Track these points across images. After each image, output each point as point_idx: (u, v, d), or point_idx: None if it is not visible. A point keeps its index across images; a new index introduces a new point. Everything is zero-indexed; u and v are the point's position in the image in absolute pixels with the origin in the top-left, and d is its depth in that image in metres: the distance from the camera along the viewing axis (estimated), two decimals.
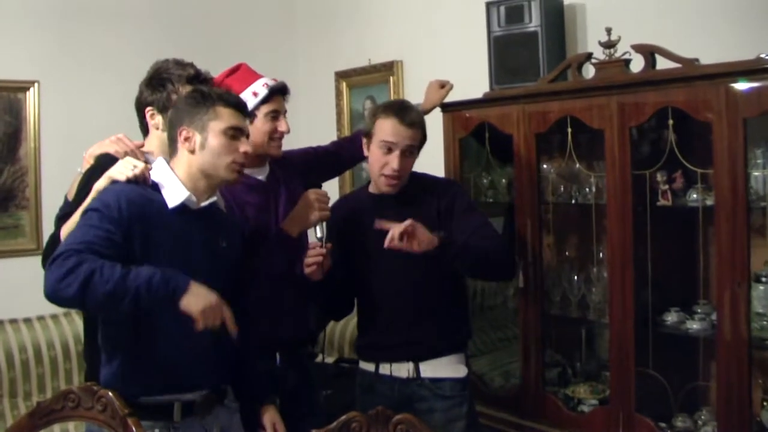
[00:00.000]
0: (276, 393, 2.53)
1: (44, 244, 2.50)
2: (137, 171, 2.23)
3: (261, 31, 5.03)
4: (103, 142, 2.52)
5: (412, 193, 2.75)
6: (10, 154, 4.28)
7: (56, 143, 4.27)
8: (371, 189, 2.84)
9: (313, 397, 2.87)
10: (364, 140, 2.77)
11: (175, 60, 2.60)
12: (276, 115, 2.76)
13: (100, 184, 2.25)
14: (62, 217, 2.37)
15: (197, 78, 2.56)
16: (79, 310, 2.28)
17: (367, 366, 2.81)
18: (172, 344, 2.21)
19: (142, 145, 2.52)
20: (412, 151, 2.70)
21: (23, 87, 4.29)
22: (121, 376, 2.20)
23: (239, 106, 2.33)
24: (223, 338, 2.27)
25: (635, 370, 2.80)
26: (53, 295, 2.01)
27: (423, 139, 2.74)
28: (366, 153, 2.77)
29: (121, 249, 2.10)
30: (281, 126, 2.77)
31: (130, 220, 2.14)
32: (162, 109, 2.46)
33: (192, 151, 2.27)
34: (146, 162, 2.35)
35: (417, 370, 2.70)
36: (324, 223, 2.67)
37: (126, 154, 2.40)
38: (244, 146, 2.30)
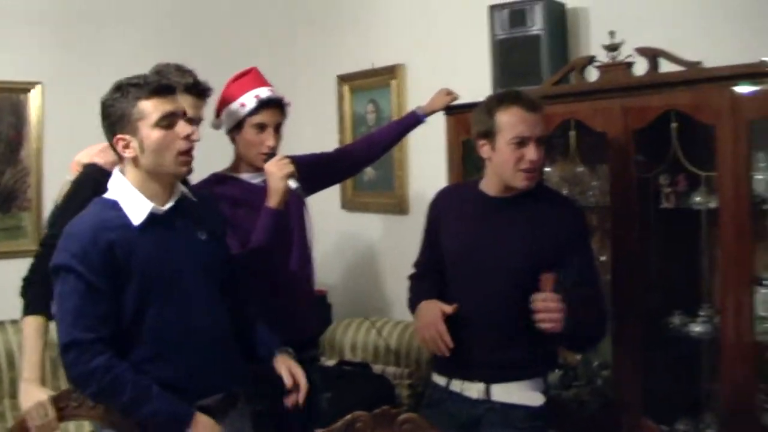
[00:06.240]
0: (287, 344, 2.46)
1: None
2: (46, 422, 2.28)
3: (262, 34, 5.01)
4: (92, 150, 2.48)
5: (529, 199, 2.52)
6: (13, 155, 4.28)
7: (59, 145, 4.23)
8: (484, 188, 2.59)
9: (314, 400, 2.84)
10: (481, 141, 2.50)
11: (176, 65, 2.57)
12: (263, 127, 2.73)
13: None
14: (48, 243, 2.34)
15: (196, 87, 2.54)
16: None
17: (439, 380, 2.61)
18: (181, 350, 2.18)
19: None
20: (543, 139, 2.47)
21: (26, 88, 4.30)
22: None
23: (161, 90, 2.16)
24: (233, 341, 2.27)
25: (639, 372, 2.80)
26: (74, 383, 2.18)
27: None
28: (485, 155, 2.51)
29: (108, 293, 2.11)
30: (268, 141, 2.73)
31: (104, 254, 2.10)
32: None
33: (135, 157, 2.17)
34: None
35: (488, 391, 2.48)
36: (294, 178, 2.63)
37: (113, 164, 2.34)
38: (184, 129, 2.17)
